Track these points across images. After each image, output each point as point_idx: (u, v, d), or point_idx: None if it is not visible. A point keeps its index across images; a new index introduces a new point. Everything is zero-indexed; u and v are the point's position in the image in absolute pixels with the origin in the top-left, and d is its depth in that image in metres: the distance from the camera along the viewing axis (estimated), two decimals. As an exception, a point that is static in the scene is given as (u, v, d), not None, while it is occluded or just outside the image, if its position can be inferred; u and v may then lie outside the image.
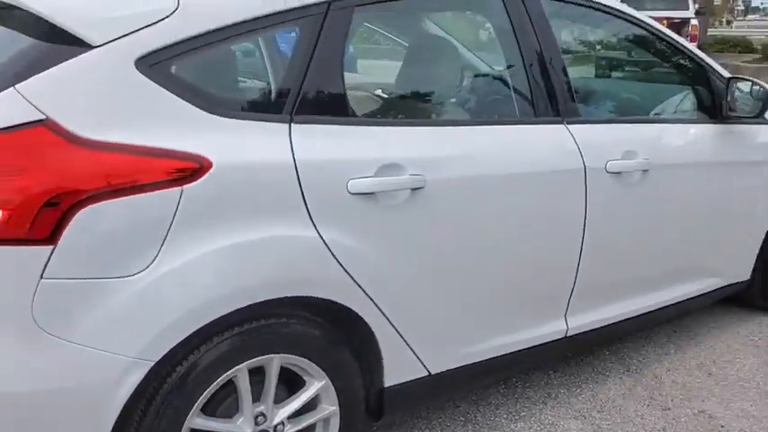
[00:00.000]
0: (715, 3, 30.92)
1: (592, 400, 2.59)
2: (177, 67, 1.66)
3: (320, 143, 1.78)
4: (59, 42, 1.58)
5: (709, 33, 22.81)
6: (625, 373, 2.78)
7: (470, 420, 2.43)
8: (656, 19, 3.18)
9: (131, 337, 1.53)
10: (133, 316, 1.53)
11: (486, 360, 2.22)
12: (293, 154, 1.72)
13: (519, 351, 2.31)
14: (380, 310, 1.89)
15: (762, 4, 53.15)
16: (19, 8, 1.67)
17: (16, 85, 1.50)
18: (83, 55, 1.56)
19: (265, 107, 1.79)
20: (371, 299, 1.86)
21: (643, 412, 2.51)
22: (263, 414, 1.78)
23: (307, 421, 1.88)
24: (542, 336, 2.36)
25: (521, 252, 2.21)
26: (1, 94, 1.49)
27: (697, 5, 16.40)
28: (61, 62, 1.54)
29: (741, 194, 2.96)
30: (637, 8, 2.77)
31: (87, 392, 1.51)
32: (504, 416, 2.47)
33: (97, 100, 1.56)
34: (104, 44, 1.58)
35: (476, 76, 2.58)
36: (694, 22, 13.96)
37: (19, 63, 1.59)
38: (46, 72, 1.52)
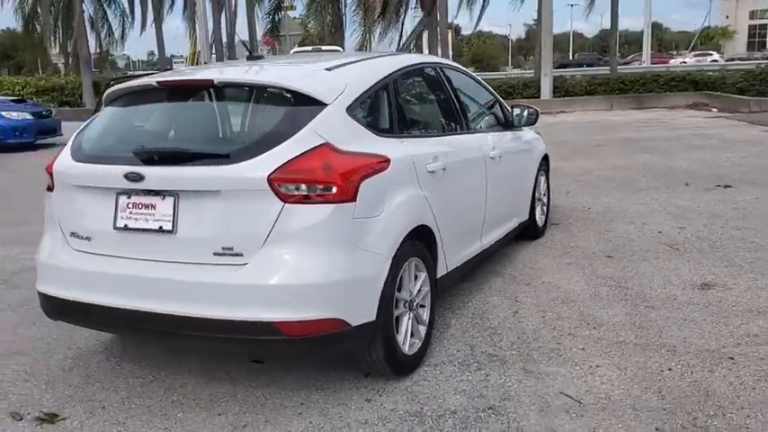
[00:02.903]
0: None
1: (505, 280, 4.60)
2: (358, 111, 3.22)
3: (409, 147, 3.47)
4: (310, 104, 3.03)
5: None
6: (500, 273, 4.87)
7: (447, 307, 4.24)
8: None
9: (385, 244, 3.05)
10: (383, 234, 3.05)
11: (462, 264, 4.07)
12: (408, 153, 3.39)
13: (474, 256, 4.22)
14: (440, 232, 3.62)
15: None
16: (277, 87, 3.06)
17: (308, 125, 2.93)
18: (326, 108, 3.04)
19: (390, 130, 3.43)
20: (438, 226, 3.58)
21: (519, 288, 4.59)
22: (410, 290, 3.37)
23: (422, 294, 3.50)
24: (475, 249, 4.30)
25: (476, 199, 4.15)
26: (304, 130, 2.91)
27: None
28: (319, 113, 3.01)
29: (522, 168, 5.32)
30: None
31: (373, 274, 2.99)
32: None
33: (339, 129, 3.05)
34: (332, 102, 3.08)
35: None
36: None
37: (298, 114, 3.00)
38: (317, 117, 2.98)
